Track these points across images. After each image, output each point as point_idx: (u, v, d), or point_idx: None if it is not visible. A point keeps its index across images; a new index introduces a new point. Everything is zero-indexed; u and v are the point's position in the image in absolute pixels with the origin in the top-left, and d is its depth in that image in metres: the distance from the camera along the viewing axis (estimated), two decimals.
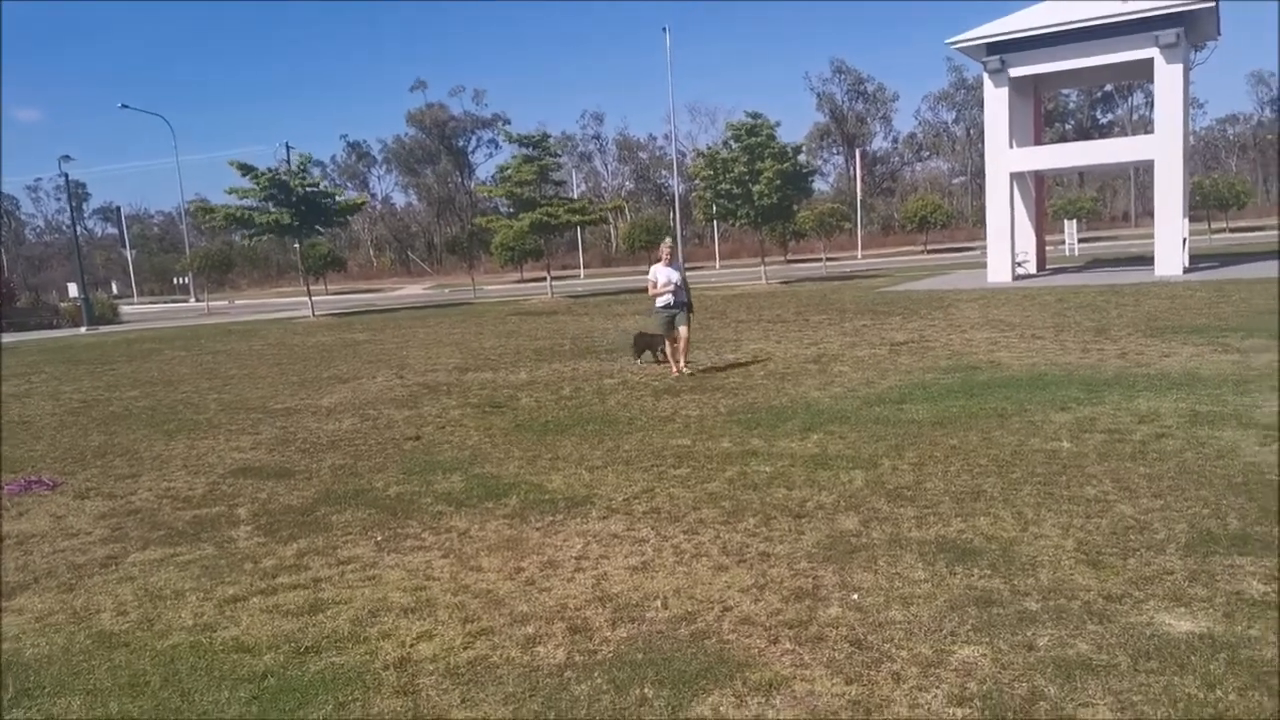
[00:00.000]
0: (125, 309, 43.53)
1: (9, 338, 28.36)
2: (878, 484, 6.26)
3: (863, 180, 64.32)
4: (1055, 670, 3.52)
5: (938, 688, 3.45)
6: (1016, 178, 25.80)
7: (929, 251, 51.53)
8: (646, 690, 3.57)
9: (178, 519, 6.53)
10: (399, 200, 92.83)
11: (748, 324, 18.48)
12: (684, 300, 11.61)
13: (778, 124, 30.58)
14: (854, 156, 61.73)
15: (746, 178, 30.11)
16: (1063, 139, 62.51)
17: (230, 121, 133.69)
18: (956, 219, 60.93)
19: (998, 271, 25.41)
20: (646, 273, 12.66)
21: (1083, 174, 59.56)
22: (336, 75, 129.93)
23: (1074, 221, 41.04)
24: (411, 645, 4.13)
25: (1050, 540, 4.94)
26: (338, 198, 33.19)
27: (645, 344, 13.02)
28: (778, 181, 29.64)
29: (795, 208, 33.89)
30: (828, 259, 44.84)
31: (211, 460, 8.48)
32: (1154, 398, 8.27)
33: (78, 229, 46.73)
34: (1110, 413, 7.82)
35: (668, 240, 12.40)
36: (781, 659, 3.78)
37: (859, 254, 53.90)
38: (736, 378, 11.37)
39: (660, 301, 11.59)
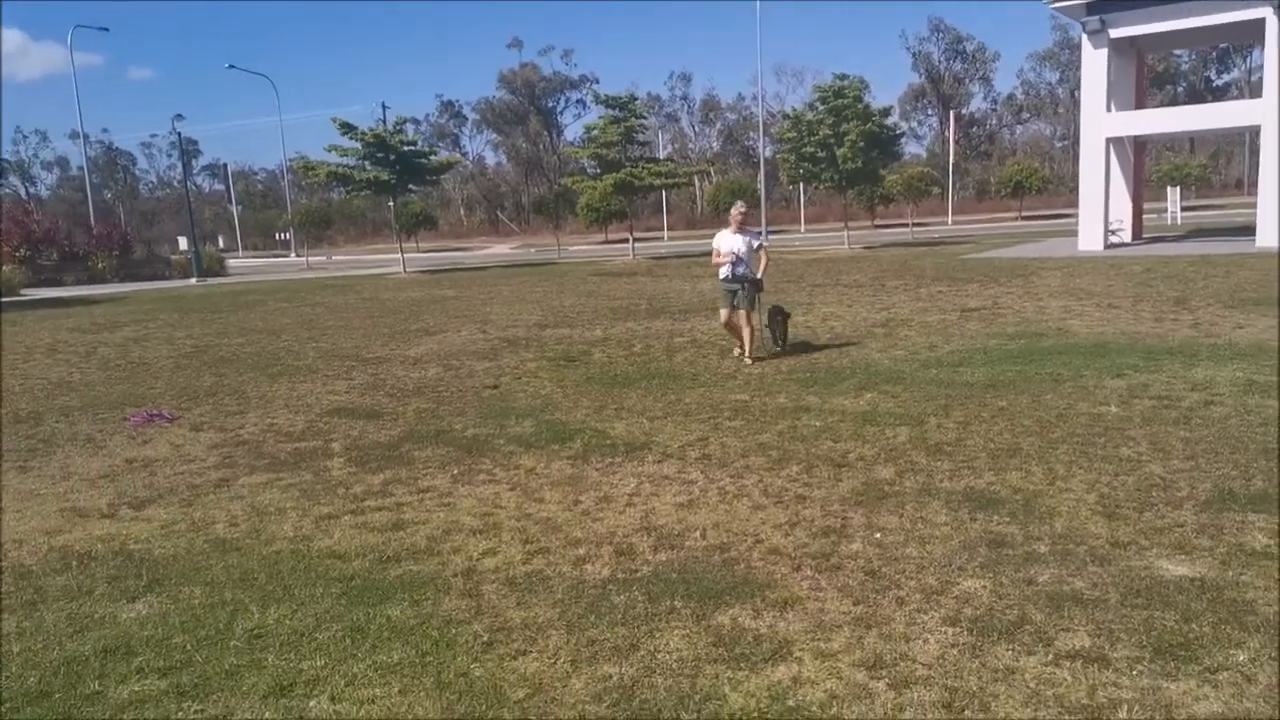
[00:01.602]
0: (231, 262, 45.78)
1: (126, 287, 30.35)
2: (920, 440, 6.59)
3: (957, 143, 62.61)
4: (1047, 601, 3.87)
5: (935, 611, 3.85)
6: (1114, 143, 24.99)
7: (1023, 218, 50.04)
8: (676, 602, 4.06)
9: (280, 450, 7.30)
10: (489, 160, 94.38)
11: (823, 288, 18.62)
12: (745, 275, 9.99)
13: (866, 86, 30.22)
14: (948, 118, 60.04)
15: (831, 140, 29.88)
16: (1173, 102, 59.56)
17: (329, 82, 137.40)
18: (1055, 184, 58.80)
19: (1089, 240, 24.78)
20: None
21: (1193, 139, 56.73)
22: (432, 35, 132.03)
23: (1176, 189, 39.33)
24: (477, 559, 4.71)
25: (1074, 494, 5.22)
26: (432, 157, 34.20)
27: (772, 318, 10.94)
28: (861, 144, 29.34)
29: (881, 171, 33.42)
30: (914, 224, 44.08)
31: (310, 401, 9.29)
32: (1213, 367, 8.31)
33: (189, 185, 49.17)
34: (1165, 380, 7.92)
35: (740, 204, 10.49)
36: (800, 583, 4.22)
37: (949, 220, 52.72)
38: (800, 338, 11.67)
39: (721, 273, 10.22)
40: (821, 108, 30.54)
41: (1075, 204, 27.79)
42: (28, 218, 35.89)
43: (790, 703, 3.19)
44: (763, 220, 46.46)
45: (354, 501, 5.81)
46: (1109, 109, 24.28)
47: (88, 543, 5.20)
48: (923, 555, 4.47)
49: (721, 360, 10.47)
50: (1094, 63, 23.94)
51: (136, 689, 3.48)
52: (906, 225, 44.46)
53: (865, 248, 32.12)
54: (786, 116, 34.03)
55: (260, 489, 6.21)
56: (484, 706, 3.25)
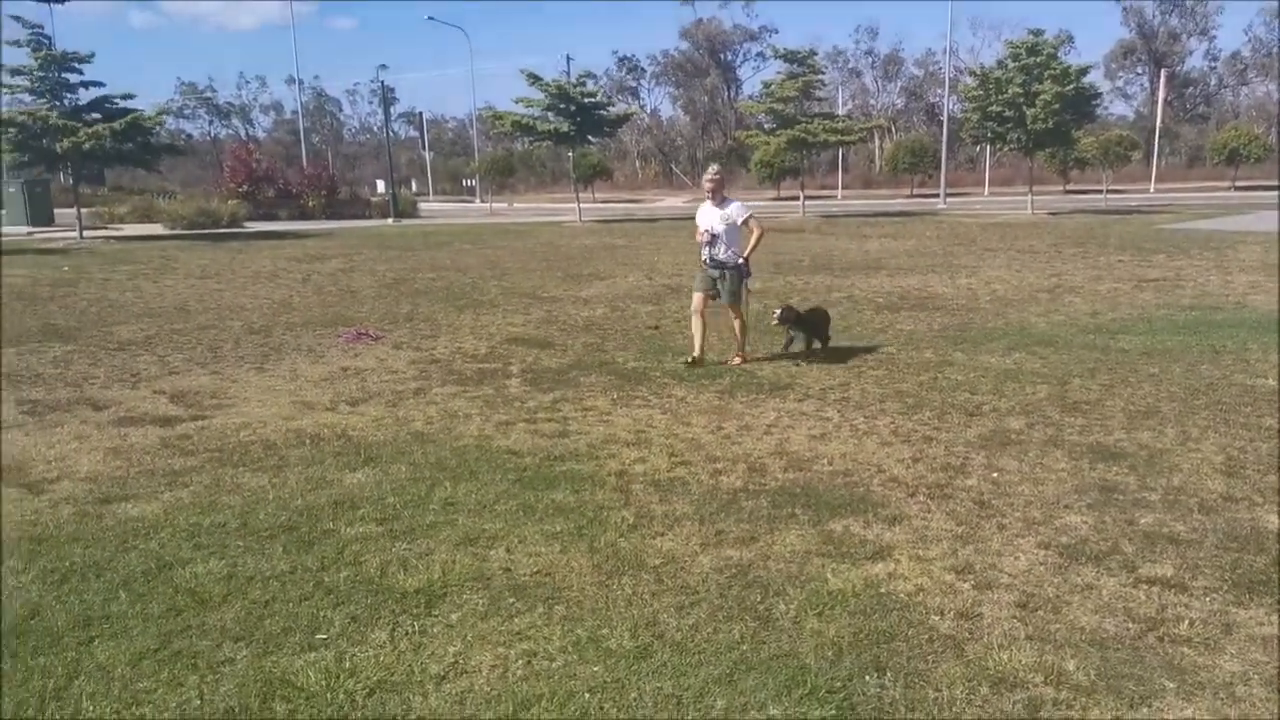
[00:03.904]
0: (422, 206, 48.85)
1: (332, 224, 33.23)
2: (1059, 398, 6.79)
3: (1168, 105, 57.75)
4: (1142, 539, 4.19)
5: (1031, 536, 4.25)
6: None
7: (1236, 189, 45.88)
8: (796, 510, 4.64)
9: (466, 369, 8.33)
10: (666, 113, 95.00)
11: (994, 252, 18.24)
12: (726, 258, 8.07)
13: (1068, 40, 28.60)
14: (1158, 78, 55.39)
15: (1021, 100, 28.60)
16: None
17: (517, 35, 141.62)
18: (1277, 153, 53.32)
19: None
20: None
21: None
22: None
23: None
24: (629, 464, 5.44)
25: (1200, 454, 5.38)
26: (610, 109, 35.21)
27: (797, 322, 8.54)
28: (1055, 105, 27.92)
29: (1075, 134, 31.63)
30: (1109, 191, 41.38)
31: (491, 330, 10.35)
32: None
33: (388, 131, 52.63)
34: None
35: (713, 168, 8.23)
36: (911, 505, 4.70)
37: (1151, 187, 49.01)
38: (961, 299, 11.75)
39: (702, 255, 8.28)
40: (1012, 65, 29.21)
41: None
42: (249, 157, 39.68)
43: (882, 590, 3.73)
44: (941, 182, 44.90)
45: (528, 413, 6.69)
46: None
47: (316, 427, 6.33)
48: (1033, 493, 4.83)
49: (875, 316, 10.78)
50: None
51: (360, 530, 4.43)
52: (1100, 192, 41.81)
53: (1050, 214, 30.67)
54: (973, 74, 32.70)
55: (450, 398, 7.21)
56: (627, 568, 3.98)
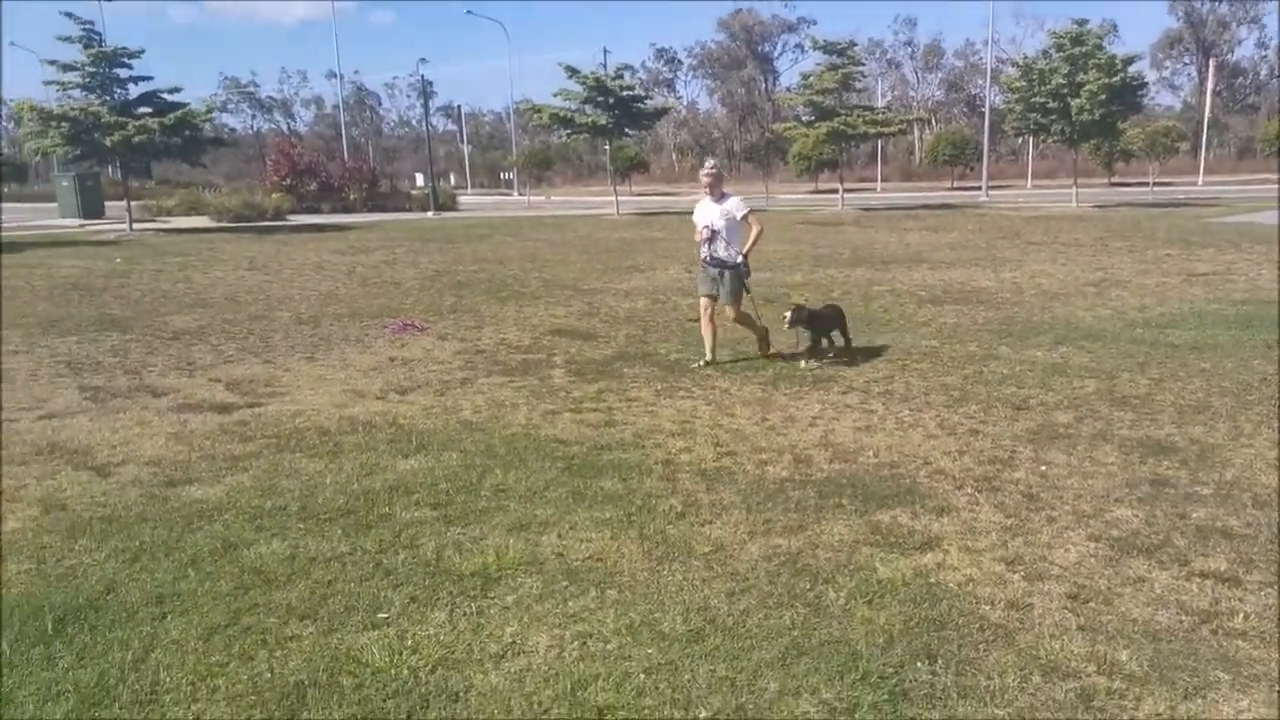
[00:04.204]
0: (460, 199, 49.25)
1: (373, 216, 33.64)
2: (1107, 392, 6.74)
3: (1216, 95, 56.46)
4: (1195, 533, 4.17)
5: (1082, 529, 4.25)
6: None
7: None
8: (843, 500, 4.68)
9: (511, 359, 8.44)
10: (702, 106, 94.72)
11: (1039, 246, 18.02)
12: (725, 258, 7.80)
13: (1113, 30, 28.11)
14: (1206, 67, 54.18)
15: (1065, 90, 28.15)
16: None
17: (553, 28, 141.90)
18: None
19: None
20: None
21: None
22: None
23: None
24: (675, 454, 5.50)
25: (1254, 449, 5.32)
26: (648, 101, 35.22)
27: (810, 321, 8.00)
28: (1101, 96, 27.45)
29: (1120, 125, 31.06)
30: (1156, 184, 40.60)
31: (534, 321, 10.47)
32: None
33: (428, 125, 53.13)
34: None
35: (710, 163, 8.01)
36: (959, 497, 4.72)
37: (1199, 180, 47.98)
38: (1006, 293, 11.65)
39: (701, 253, 8.03)
40: (1056, 55, 28.76)
41: None
42: (292, 151, 40.25)
43: (931, 580, 3.76)
44: (983, 174, 44.34)
45: (573, 403, 6.77)
46: None
47: (367, 415, 6.47)
48: (1083, 487, 4.82)
49: (918, 309, 10.73)
50: None
51: (415, 514, 4.54)
52: (1147, 184, 41.03)
53: (1095, 206, 30.21)
54: (1015, 64, 32.22)
55: (496, 387, 7.32)
56: (677, 554, 4.04)
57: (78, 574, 3.93)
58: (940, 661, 3.14)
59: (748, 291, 8.07)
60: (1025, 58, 31.78)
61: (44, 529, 4.43)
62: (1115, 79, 27.61)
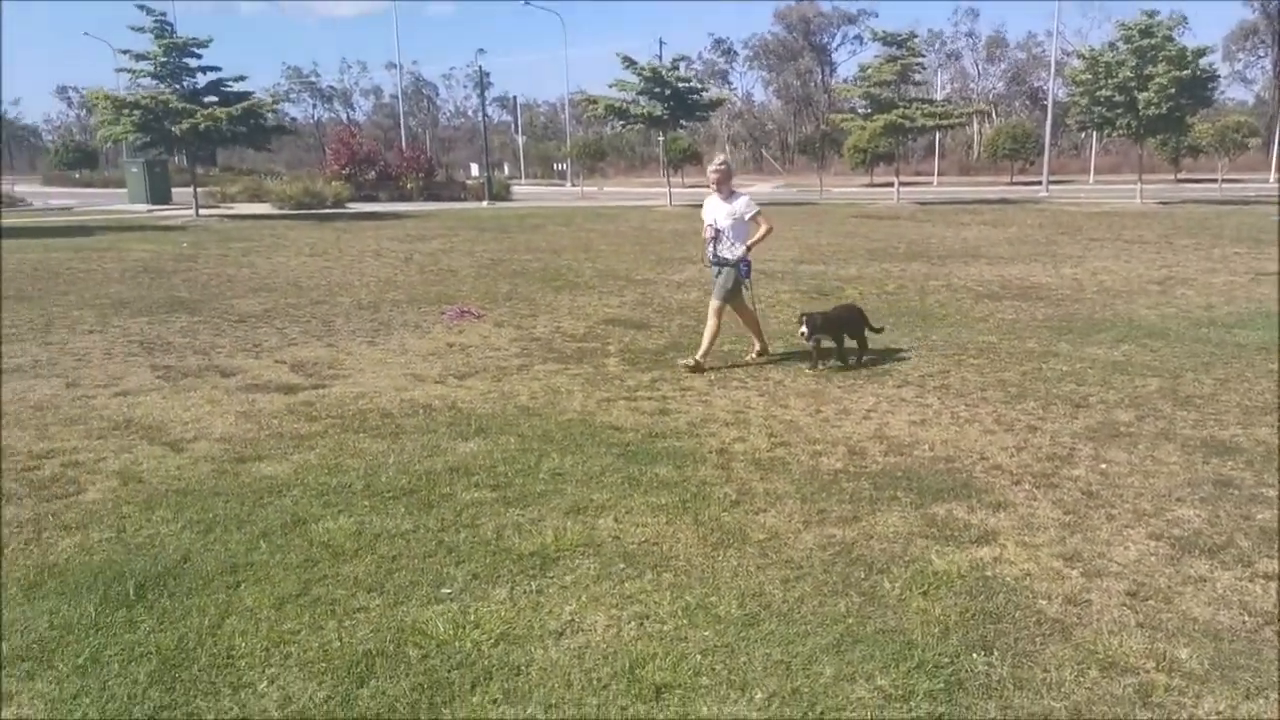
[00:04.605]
0: (515, 189, 49.64)
1: (429, 205, 34.09)
2: (1170, 391, 6.61)
3: None
4: (1259, 534, 4.10)
5: (1142, 528, 4.20)
6: None
7: None
8: (898, 493, 4.68)
9: (566, 347, 8.54)
10: (758, 97, 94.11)
11: (1101, 242, 17.64)
12: (725, 255, 7.63)
13: (1182, 22, 27.31)
14: None
15: (1132, 84, 27.44)
16: None
17: (609, 19, 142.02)
18: None
19: None
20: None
21: None
22: None
23: None
24: (729, 443, 5.55)
25: None
26: (703, 93, 35.12)
27: (825, 327, 7.58)
28: (1171, 89, 26.69)
29: (1189, 120, 30.19)
30: (1225, 180, 39.36)
31: (589, 311, 10.57)
32: None
33: (484, 115, 53.53)
34: None
35: (719, 158, 7.85)
36: (1016, 493, 4.69)
37: (1270, 177, 46.41)
38: (1066, 290, 11.44)
39: (707, 250, 7.84)
40: (1124, 47, 28.04)
41: None
42: (352, 140, 40.94)
43: (988, 574, 3.76)
44: (1044, 168, 43.41)
45: (628, 391, 6.85)
46: None
47: (427, 399, 6.62)
48: (1144, 485, 4.76)
49: (975, 304, 10.60)
50: None
51: (475, 495, 4.66)
52: (1215, 181, 39.81)
53: (1160, 203, 29.42)
54: (1081, 56, 31.46)
55: (552, 374, 7.43)
56: (732, 541, 4.09)
57: (155, 543, 4.11)
58: (996, 653, 3.15)
59: (748, 290, 7.88)
60: (1091, 50, 31.04)
61: (123, 500, 4.63)
62: (1185, 72, 26.83)
